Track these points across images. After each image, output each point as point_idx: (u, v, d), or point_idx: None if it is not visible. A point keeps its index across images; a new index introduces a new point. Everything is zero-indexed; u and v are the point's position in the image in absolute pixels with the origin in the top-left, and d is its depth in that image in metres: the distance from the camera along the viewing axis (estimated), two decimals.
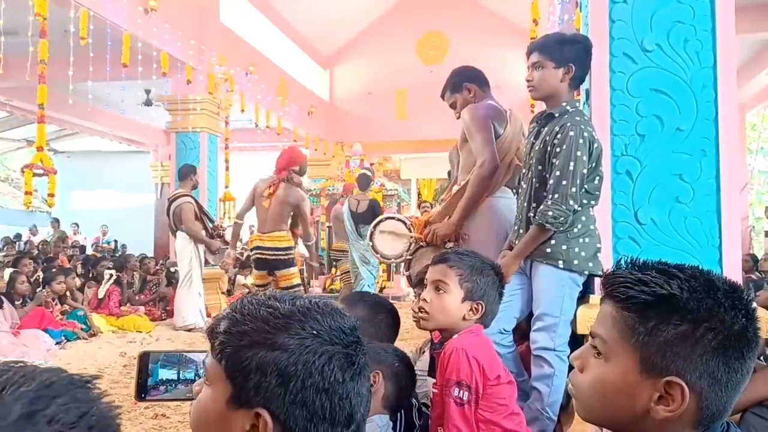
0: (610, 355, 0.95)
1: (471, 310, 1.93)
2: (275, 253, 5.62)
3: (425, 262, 3.23)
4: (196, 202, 6.97)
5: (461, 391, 1.84)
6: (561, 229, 2.45)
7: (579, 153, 2.38)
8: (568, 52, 2.51)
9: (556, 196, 2.40)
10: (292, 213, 5.74)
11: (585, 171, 2.42)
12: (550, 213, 2.40)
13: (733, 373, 0.88)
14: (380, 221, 4.43)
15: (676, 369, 0.88)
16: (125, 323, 7.01)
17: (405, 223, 4.21)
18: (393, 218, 4.41)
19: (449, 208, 3.31)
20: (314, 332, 0.83)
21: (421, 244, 3.54)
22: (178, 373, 1.11)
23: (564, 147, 2.40)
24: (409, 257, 3.66)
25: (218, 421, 0.84)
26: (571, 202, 2.40)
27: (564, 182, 2.39)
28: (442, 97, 3.37)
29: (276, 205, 5.58)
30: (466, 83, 3.28)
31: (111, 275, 7.63)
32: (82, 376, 0.63)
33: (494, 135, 3.09)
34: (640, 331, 0.91)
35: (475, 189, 3.02)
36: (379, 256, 4.36)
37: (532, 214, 2.55)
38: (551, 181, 2.44)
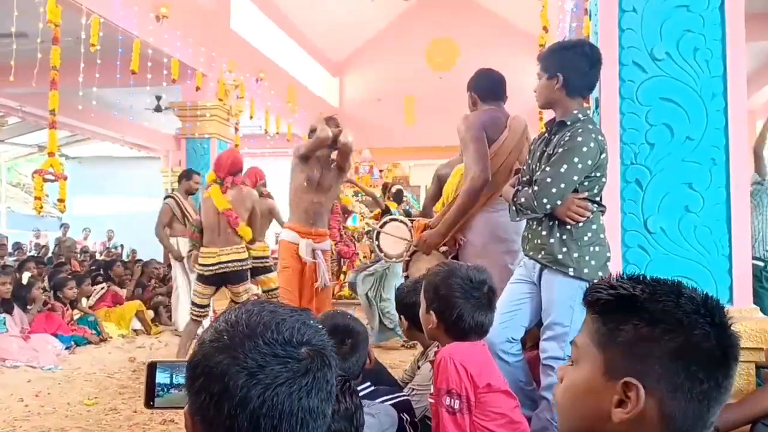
0: (580, 359, 0.97)
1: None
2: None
3: (421, 264, 3.30)
4: (179, 204, 6.68)
5: (452, 400, 1.85)
6: (512, 218, 2.56)
7: (576, 159, 2.34)
8: (558, 61, 2.47)
9: (536, 188, 2.39)
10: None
11: (576, 178, 2.37)
12: (524, 200, 2.43)
13: (696, 382, 0.86)
14: (385, 222, 4.55)
15: (634, 371, 0.88)
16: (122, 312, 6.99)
17: (407, 225, 4.32)
18: (397, 220, 4.53)
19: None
20: None
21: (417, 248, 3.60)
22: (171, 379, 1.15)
23: (566, 149, 2.37)
24: (407, 258, 3.77)
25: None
26: (545, 201, 2.37)
27: (549, 180, 2.36)
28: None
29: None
30: (469, 90, 3.29)
31: (103, 287, 7.56)
32: None
33: (488, 141, 3.09)
34: (602, 332, 0.93)
35: (464, 200, 3.06)
36: (382, 254, 4.48)
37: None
38: (537, 173, 2.43)
